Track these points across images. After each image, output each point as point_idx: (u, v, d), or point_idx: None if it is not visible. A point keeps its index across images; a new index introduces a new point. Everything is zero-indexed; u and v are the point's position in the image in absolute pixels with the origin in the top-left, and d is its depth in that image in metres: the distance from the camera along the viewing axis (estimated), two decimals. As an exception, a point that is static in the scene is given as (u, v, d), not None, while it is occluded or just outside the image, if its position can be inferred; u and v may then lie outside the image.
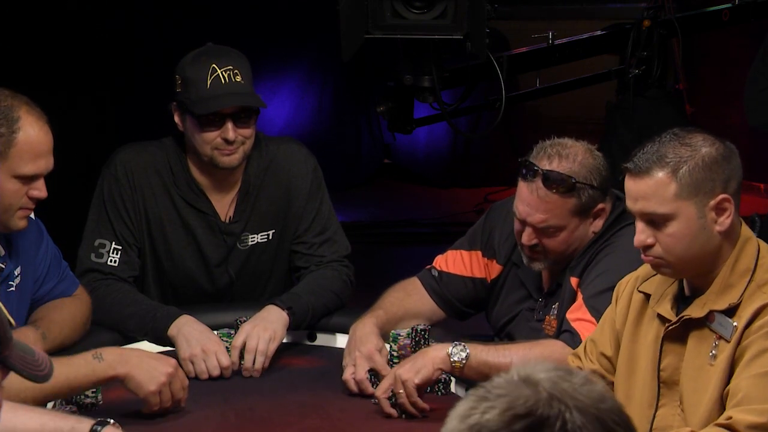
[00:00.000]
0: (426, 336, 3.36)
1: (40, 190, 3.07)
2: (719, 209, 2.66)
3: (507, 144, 7.80)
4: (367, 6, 4.48)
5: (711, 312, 2.67)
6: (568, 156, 3.25)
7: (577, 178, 3.23)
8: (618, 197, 3.30)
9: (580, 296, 3.21)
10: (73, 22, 6.32)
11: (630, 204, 2.71)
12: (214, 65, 3.51)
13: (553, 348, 3.13)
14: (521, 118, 7.81)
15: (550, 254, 3.29)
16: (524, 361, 3.07)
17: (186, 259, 3.67)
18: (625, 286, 2.90)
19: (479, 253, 3.54)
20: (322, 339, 3.61)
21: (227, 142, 3.51)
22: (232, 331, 3.39)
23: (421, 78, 4.86)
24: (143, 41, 6.93)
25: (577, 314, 3.17)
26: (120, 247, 3.58)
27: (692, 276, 2.73)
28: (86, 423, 2.62)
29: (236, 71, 3.52)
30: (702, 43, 7.49)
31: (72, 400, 3.04)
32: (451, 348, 3.12)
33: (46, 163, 3.06)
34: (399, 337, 3.37)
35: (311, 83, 8.42)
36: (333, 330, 3.58)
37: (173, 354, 3.29)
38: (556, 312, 3.30)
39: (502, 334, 3.50)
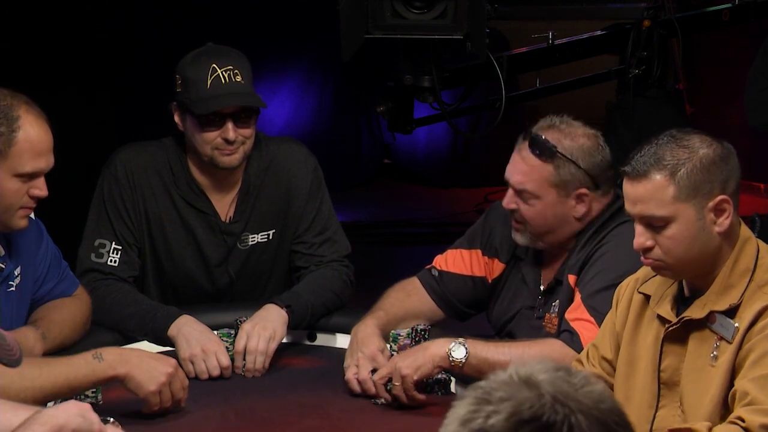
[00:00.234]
0: (426, 336, 3.37)
1: (40, 188, 3.07)
2: (718, 210, 2.66)
3: (507, 144, 7.81)
4: (367, 6, 4.48)
5: (711, 313, 2.67)
6: (564, 131, 3.29)
7: (560, 150, 3.25)
8: (618, 195, 3.30)
9: (578, 296, 3.21)
10: (73, 22, 6.32)
11: (629, 207, 2.71)
12: (214, 65, 3.51)
13: (552, 347, 3.13)
14: (521, 118, 7.82)
15: (528, 226, 3.31)
16: (523, 359, 3.08)
17: (186, 259, 3.67)
18: (625, 289, 2.91)
19: (479, 251, 3.54)
20: (322, 339, 3.61)
21: (228, 142, 3.51)
22: (232, 331, 3.39)
23: (421, 78, 4.86)
24: (143, 41, 6.93)
25: (576, 314, 3.17)
26: (120, 247, 3.58)
27: (692, 277, 2.73)
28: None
29: (236, 71, 3.52)
30: (702, 43, 7.49)
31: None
32: (451, 345, 3.13)
33: (46, 162, 3.06)
34: (399, 337, 3.37)
35: (311, 83, 8.43)
36: (333, 330, 3.58)
37: (173, 354, 3.29)
38: (557, 310, 3.30)
39: (503, 333, 3.50)
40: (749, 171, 2.87)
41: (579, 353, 3.07)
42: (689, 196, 2.64)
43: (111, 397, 3.11)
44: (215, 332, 3.37)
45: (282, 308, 3.45)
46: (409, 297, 3.55)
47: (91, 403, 3.03)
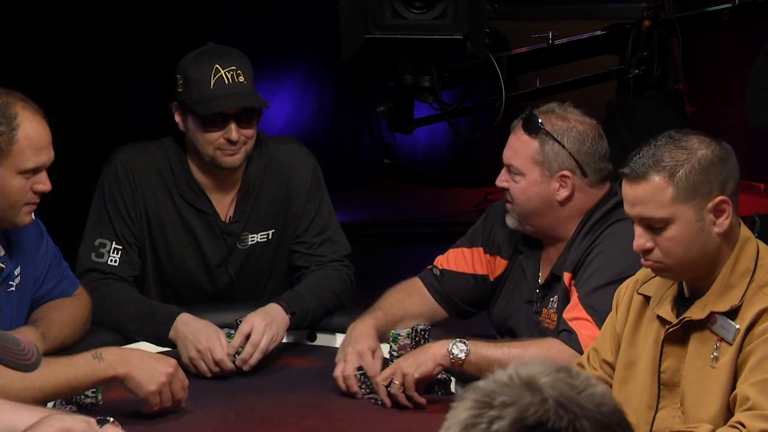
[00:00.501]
0: (426, 336, 3.37)
1: (44, 183, 3.08)
2: (717, 211, 2.66)
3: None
4: (367, 6, 4.48)
5: (712, 313, 2.67)
6: (559, 114, 3.34)
7: (548, 128, 3.28)
8: (615, 192, 3.32)
9: (575, 295, 3.22)
10: (73, 22, 6.32)
11: (628, 209, 2.71)
12: (217, 65, 3.50)
13: (551, 346, 3.14)
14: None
15: (515, 205, 3.35)
16: (522, 358, 3.08)
17: (186, 258, 3.67)
18: (625, 291, 2.90)
19: (481, 249, 3.54)
20: (322, 339, 3.61)
21: (230, 142, 3.51)
22: (232, 331, 3.39)
23: (421, 78, 4.86)
24: (143, 41, 6.93)
25: (573, 313, 3.18)
26: (120, 247, 3.58)
27: (692, 278, 2.73)
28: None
29: (239, 71, 3.52)
30: (702, 43, 7.49)
31: (72, 400, 3.04)
32: (451, 344, 3.14)
33: (47, 156, 3.07)
34: (399, 337, 3.37)
35: (311, 83, 8.43)
36: (333, 330, 3.59)
37: (173, 354, 3.29)
38: (555, 306, 3.31)
39: (503, 330, 3.50)
40: (749, 171, 2.87)
41: (578, 352, 3.08)
42: (688, 197, 2.64)
43: (111, 397, 3.11)
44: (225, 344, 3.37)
45: (287, 314, 3.45)
46: (409, 297, 3.55)
47: (91, 403, 3.05)
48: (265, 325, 3.38)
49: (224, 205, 3.67)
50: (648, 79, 5.95)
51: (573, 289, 3.26)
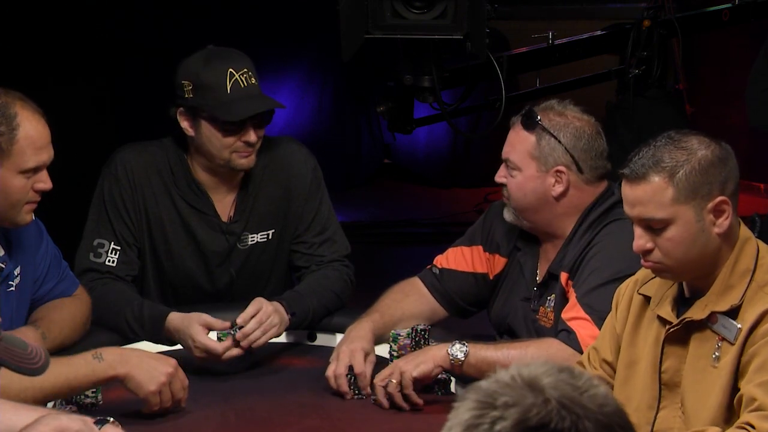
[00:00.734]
0: (426, 336, 3.37)
1: (44, 181, 3.09)
2: (717, 211, 2.66)
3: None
4: (367, 6, 4.48)
5: (712, 313, 2.67)
6: (557, 110, 3.37)
7: (544, 123, 3.30)
8: (612, 191, 3.33)
9: (573, 295, 3.23)
10: (73, 22, 6.32)
11: (627, 209, 2.71)
12: (231, 69, 3.50)
13: (550, 347, 3.14)
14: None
15: (511, 200, 3.37)
16: (522, 359, 3.09)
17: (186, 258, 3.67)
18: (625, 291, 2.91)
19: (480, 247, 3.55)
20: (322, 339, 3.61)
21: (248, 144, 3.52)
22: (232, 332, 3.38)
23: (421, 78, 4.86)
24: (143, 41, 6.93)
25: (572, 313, 3.18)
26: (119, 248, 3.58)
27: (692, 278, 2.73)
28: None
29: (250, 73, 3.53)
30: (702, 43, 7.49)
31: (72, 400, 3.04)
32: (450, 346, 3.14)
33: (48, 154, 3.08)
34: (399, 337, 3.37)
35: (311, 83, 8.42)
36: (333, 330, 3.59)
37: (173, 354, 3.29)
38: (552, 304, 3.32)
39: (502, 328, 3.51)
40: (749, 171, 2.87)
41: (577, 351, 3.08)
42: (688, 197, 2.64)
43: (111, 397, 3.11)
44: (214, 334, 3.37)
45: (287, 315, 3.45)
46: (407, 297, 3.55)
47: (91, 403, 3.05)
48: (273, 309, 3.39)
49: (225, 205, 3.67)
50: (648, 79, 5.95)
51: (570, 289, 3.27)
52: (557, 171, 3.31)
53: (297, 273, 3.77)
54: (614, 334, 2.89)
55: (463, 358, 3.13)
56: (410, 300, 3.55)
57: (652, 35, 5.88)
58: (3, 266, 3.14)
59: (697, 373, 2.69)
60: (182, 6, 7.21)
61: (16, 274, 3.18)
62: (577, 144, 3.31)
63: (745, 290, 2.65)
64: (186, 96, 3.53)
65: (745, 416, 2.56)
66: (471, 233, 3.60)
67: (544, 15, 7.63)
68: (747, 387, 2.59)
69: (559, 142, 3.30)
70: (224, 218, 3.67)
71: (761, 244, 2.73)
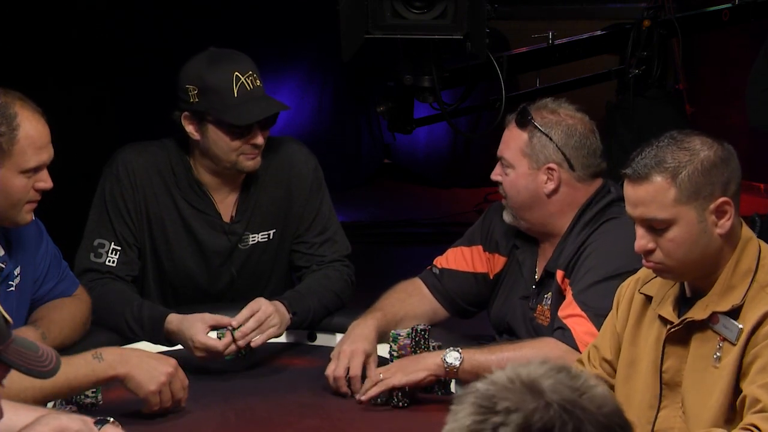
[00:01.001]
0: (426, 336, 3.36)
1: (45, 181, 3.09)
2: (719, 212, 2.65)
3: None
4: (367, 6, 4.48)
5: (714, 314, 2.66)
6: (551, 109, 3.39)
7: (536, 121, 3.32)
8: (609, 190, 3.33)
9: (569, 293, 3.23)
10: (73, 22, 6.32)
11: (630, 210, 2.71)
12: (237, 72, 3.49)
13: (546, 346, 3.15)
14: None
15: (507, 198, 3.39)
16: (518, 360, 3.09)
17: (186, 259, 3.67)
18: (626, 290, 2.90)
19: (480, 247, 3.56)
20: (322, 339, 3.61)
21: (255, 146, 3.52)
22: (230, 328, 3.38)
23: (421, 78, 4.86)
24: (143, 41, 6.92)
25: (567, 311, 3.19)
26: (119, 248, 3.57)
27: (694, 279, 2.73)
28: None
29: (255, 75, 3.53)
30: (702, 43, 7.49)
31: (72, 400, 3.04)
32: (444, 354, 3.16)
33: (48, 154, 3.08)
34: (399, 337, 3.37)
35: (311, 83, 8.42)
36: (333, 330, 3.59)
37: (173, 354, 3.29)
38: (549, 302, 3.33)
39: (501, 328, 3.51)
40: (749, 171, 2.87)
41: (572, 348, 3.09)
42: (690, 198, 2.64)
43: (111, 397, 3.11)
44: (214, 332, 3.37)
45: (288, 315, 3.45)
46: (409, 297, 3.56)
47: (91, 403, 3.05)
48: (273, 309, 3.39)
49: (227, 205, 3.67)
50: (648, 79, 5.95)
51: (566, 287, 3.28)
52: (548, 168, 3.33)
53: (297, 273, 3.77)
54: (615, 333, 2.89)
55: (458, 365, 3.14)
56: (412, 300, 3.55)
57: (652, 35, 5.88)
58: (3, 266, 3.14)
59: (698, 373, 2.69)
60: (182, 6, 7.20)
61: (16, 274, 3.18)
62: (568, 141, 3.33)
63: (747, 290, 2.65)
64: (191, 100, 3.51)
65: (750, 417, 2.56)
66: (470, 234, 3.61)
67: (544, 15, 7.63)
68: (750, 388, 2.59)
69: (551, 139, 3.32)
70: (226, 218, 3.67)
71: (763, 244, 2.73)
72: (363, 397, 3.17)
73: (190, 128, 3.55)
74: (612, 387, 2.87)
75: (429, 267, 3.62)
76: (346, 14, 4.52)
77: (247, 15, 7.64)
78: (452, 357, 3.15)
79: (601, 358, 2.91)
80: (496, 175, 3.42)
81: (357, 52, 4.55)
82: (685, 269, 2.69)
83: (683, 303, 2.75)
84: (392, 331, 3.39)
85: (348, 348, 3.28)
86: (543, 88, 5.99)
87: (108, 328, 3.46)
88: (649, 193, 2.65)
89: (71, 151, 3.69)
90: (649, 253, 2.69)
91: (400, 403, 3.15)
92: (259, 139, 3.53)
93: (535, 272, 3.42)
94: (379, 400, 3.17)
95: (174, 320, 3.39)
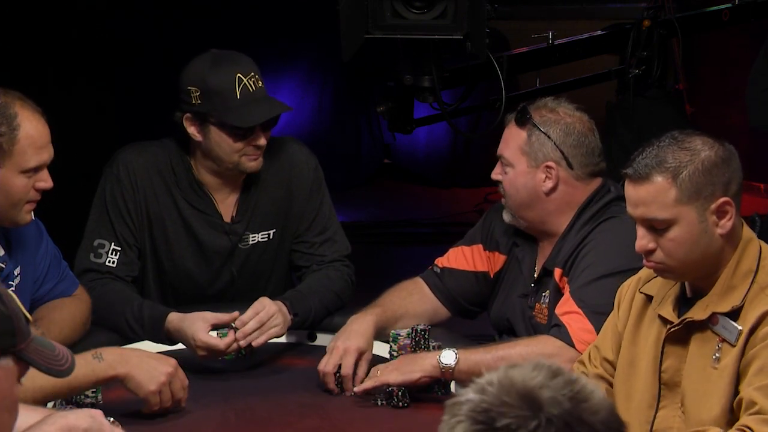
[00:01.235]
0: (426, 336, 3.36)
1: (45, 180, 3.09)
2: (720, 212, 2.65)
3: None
4: (367, 6, 4.48)
5: (713, 314, 2.67)
6: (550, 108, 3.40)
7: (535, 119, 3.33)
8: (608, 189, 3.34)
9: (567, 290, 3.24)
10: (74, 22, 6.32)
11: (630, 210, 2.71)
12: (239, 74, 3.49)
13: (543, 344, 3.16)
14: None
15: (506, 197, 3.40)
16: (513, 359, 3.09)
17: (187, 259, 3.67)
18: (627, 290, 2.91)
19: (480, 246, 3.57)
20: (322, 339, 3.61)
21: (257, 148, 3.53)
22: (232, 326, 3.38)
23: (421, 78, 4.85)
24: (143, 42, 6.92)
25: (564, 308, 3.20)
26: (119, 248, 3.57)
27: (694, 279, 2.73)
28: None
29: (257, 77, 3.53)
30: (702, 43, 7.48)
31: (72, 400, 3.04)
32: (440, 354, 3.16)
33: (48, 153, 3.09)
34: (399, 337, 3.37)
35: (311, 83, 8.42)
36: (333, 330, 3.58)
37: (173, 354, 3.29)
38: (547, 300, 3.33)
39: (502, 326, 3.52)
40: (749, 171, 2.86)
41: (568, 345, 3.09)
42: (691, 198, 2.64)
43: (111, 397, 3.11)
44: (215, 332, 3.37)
45: (290, 315, 3.45)
46: (410, 296, 3.56)
47: (91, 403, 3.05)
48: (277, 309, 3.39)
49: (227, 205, 3.67)
50: (648, 79, 5.95)
51: (563, 285, 3.28)
52: (547, 166, 3.34)
53: (298, 272, 3.77)
54: (616, 333, 2.89)
55: (453, 365, 3.14)
56: (413, 299, 3.56)
57: (652, 35, 5.88)
58: (3, 266, 3.14)
59: (697, 374, 2.69)
60: (182, 6, 7.21)
61: (16, 274, 3.18)
62: (567, 140, 3.34)
63: (747, 291, 2.65)
64: (193, 102, 3.51)
65: (744, 419, 2.56)
66: (471, 234, 3.61)
67: (544, 15, 7.62)
68: (747, 390, 2.59)
69: (549, 137, 3.33)
70: (226, 218, 3.67)
71: (764, 245, 2.73)
72: (356, 389, 3.19)
73: (191, 129, 3.55)
74: (612, 386, 2.87)
75: (430, 267, 3.63)
76: (346, 14, 4.52)
77: (247, 15, 7.64)
78: (447, 357, 3.15)
79: (602, 358, 2.91)
80: (496, 174, 3.43)
81: (357, 52, 4.55)
82: (685, 269, 2.69)
83: (683, 303, 2.75)
84: (392, 331, 3.39)
85: (342, 345, 3.28)
86: (543, 88, 5.98)
87: (108, 327, 3.46)
88: (650, 193, 2.65)
89: (71, 151, 3.69)
90: (650, 253, 2.69)
91: (400, 403, 3.15)
92: (262, 141, 3.53)
93: (534, 270, 3.43)
94: (379, 400, 3.17)
95: (174, 319, 3.39)
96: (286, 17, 7.85)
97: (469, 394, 1.47)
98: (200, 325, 3.33)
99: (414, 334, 3.37)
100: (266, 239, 3.71)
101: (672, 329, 2.73)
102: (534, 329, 3.36)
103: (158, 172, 3.64)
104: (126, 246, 3.59)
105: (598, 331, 3.02)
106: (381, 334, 3.40)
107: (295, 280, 3.80)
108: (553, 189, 3.35)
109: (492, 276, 3.55)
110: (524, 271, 3.44)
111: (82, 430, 2.36)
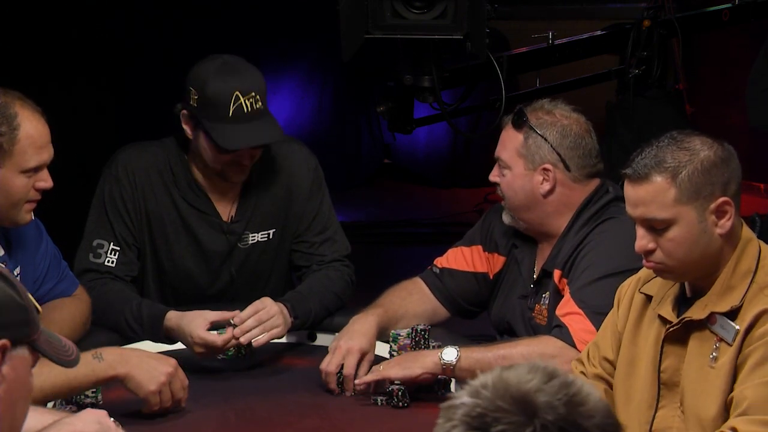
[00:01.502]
0: (426, 336, 3.36)
1: (45, 180, 3.10)
2: (719, 212, 2.66)
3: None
4: (367, 6, 4.48)
5: (712, 314, 2.67)
6: (547, 110, 3.41)
7: (531, 122, 3.34)
8: (606, 190, 3.34)
9: (567, 291, 3.24)
10: (73, 22, 6.32)
11: (630, 210, 2.71)
12: (237, 92, 3.44)
13: (545, 343, 3.16)
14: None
15: (505, 199, 3.41)
16: (514, 359, 3.10)
17: (186, 259, 3.67)
18: (626, 289, 2.91)
19: (480, 247, 3.57)
20: (322, 339, 3.61)
21: (241, 165, 3.51)
22: (231, 323, 3.38)
23: (421, 78, 4.85)
24: (143, 41, 6.93)
25: (565, 309, 3.20)
26: (118, 248, 3.57)
27: (694, 279, 2.73)
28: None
29: (257, 97, 3.46)
30: (702, 43, 7.49)
31: (72, 400, 3.04)
32: (442, 351, 3.16)
33: (48, 153, 3.09)
34: (399, 337, 3.37)
35: (311, 83, 8.42)
36: (333, 330, 3.58)
37: (174, 354, 3.28)
38: (547, 302, 3.33)
39: (502, 327, 3.52)
40: (749, 171, 2.86)
41: (569, 345, 3.09)
42: (690, 198, 2.64)
43: (111, 397, 3.11)
44: (215, 332, 3.37)
45: (290, 318, 3.45)
46: (410, 296, 3.56)
47: (91, 403, 3.05)
48: (278, 310, 3.39)
49: (226, 204, 3.67)
50: (648, 79, 5.94)
51: (563, 286, 3.29)
52: (544, 168, 3.34)
53: (297, 272, 3.77)
54: (616, 332, 2.89)
55: (454, 362, 3.14)
56: (413, 299, 3.56)
57: (652, 35, 5.88)
58: (3, 266, 3.13)
59: (695, 373, 2.69)
60: (182, 6, 7.20)
61: (15, 273, 3.18)
62: (563, 142, 3.34)
63: (746, 291, 2.65)
64: (191, 102, 3.51)
65: (732, 420, 2.57)
66: (470, 234, 3.62)
67: (544, 15, 7.61)
68: (738, 389, 2.59)
69: (545, 140, 3.33)
70: (225, 218, 3.67)
71: (763, 245, 2.73)
72: (357, 381, 3.20)
73: (186, 126, 3.55)
74: (611, 386, 2.88)
75: (429, 267, 3.63)
76: (346, 14, 4.51)
77: (247, 15, 7.64)
78: (449, 355, 3.15)
79: (601, 357, 2.91)
80: (494, 176, 3.43)
81: (357, 52, 4.55)
82: (685, 269, 2.70)
83: (683, 303, 2.75)
84: (392, 331, 3.39)
85: (344, 345, 3.28)
86: (543, 88, 5.98)
87: (108, 327, 3.46)
88: (649, 193, 2.65)
89: (71, 151, 3.69)
90: (650, 253, 2.69)
91: (400, 403, 3.15)
92: (246, 161, 3.51)
93: (534, 272, 3.43)
94: (379, 400, 3.17)
95: (173, 316, 3.39)
96: (286, 17, 7.85)
97: (464, 398, 1.46)
98: (199, 322, 3.33)
99: (414, 334, 3.37)
100: (266, 239, 3.71)
101: (671, 329, 2.73)
102: (533, 330, 3.36)
103: (157, 172, 3.64)
104: (125, 246, 3.59)
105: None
106: (382, 334, 3.40)
107: (295, 280, 3.80)
108: (551, 191, 3.35)
109: (491, 277, 3.55)
110: (523, 272, 3.45)
111: None
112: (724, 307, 2.65)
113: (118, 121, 6.52)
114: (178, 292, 3.70)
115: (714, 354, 2.66)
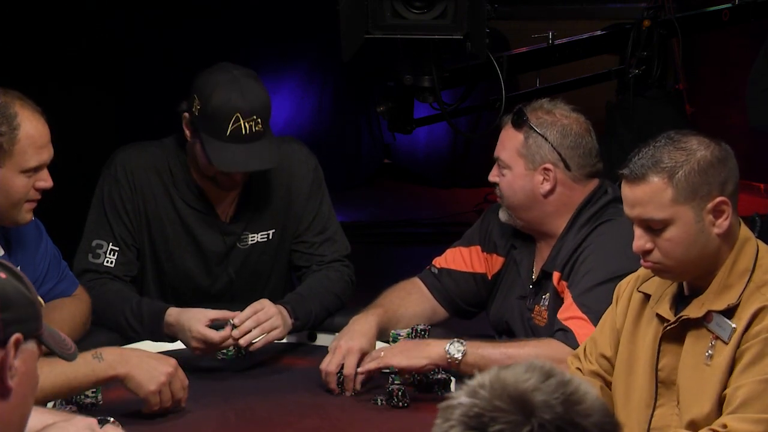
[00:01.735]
0: (426, 336, 3.37)
1: (45, 180, 3.10)
2: (717, 212, 2.66)
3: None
4: (367, 6, 4.48)
5: (709, 312, 2.67)
6: (547, 109, 3.40)
7: (531, 121, 3.33)
8: (605, 191, 3.34)
9: (569, 296, 3.23)
10: (74, 23, 6.32)
11: (627, 210, 2.71)
12: (238, 113, 3.41)
13: (554, 348, 3.14)
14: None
15: (504, 199, 3.41)
16: (521, 358, 3.09)
17: (186, 259, 3.67)
18: (625, 287, 2.91)
19: (478, 247, 3.57)
20: (322, 339, 3.61)
21: (232, 179, 3.51)
22: (230, 323, 3.38)
23: (421, 78, 4.86)
24: (143, 41, 6.93)
25: (568, 313, 3.20)
26: (117, 248, 3.57)
27: (692, 278, 2.73)
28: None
29: (259, 120, 3.44)
30: (702, 43, 7.49)
31: (72, 400, 3.04)
32: (448, 344, 3.15)
33: (48, 153, 3.09)
34: (399, 338, 3.37)
35: (311, 83, 8.42)
36: (333, 330, 3.58)
37: (174, 354, 3.28)
38: (546, 303, 3.33)
39: (500, 328, 3.52)
40: (749, 171, 2.87)
41: (575, 350, 3.08)
42: (687, 198, 2.64)
43: (111, 397, 3.11)
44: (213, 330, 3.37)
45: (291, 320, 3.45)
46: (409, 296, 3.56)
47: (91, 403, 3.05)
48: (276, 312, 3.39)
49: (225, 204, 3.67)
50: (648, 79, 5.94)
51: (563, 288, 3.28)
52: (544, 168, 3.34)
53: (297, 273, 3.77)
54: (614, 329, 2.89)
55: (460, 357, 3.14)
56: (412, 299, 3.56)
57: (652, 35, 5.88)
58: (9, 263, 3.13)
59: (691, 371, 2.69)
60: (182, 6, 7.20)
61: (16, 274, 3.18)
62: (563, 141, 3.34)
63: (743, 290, 2.66)
64: (194, 109, 3.49)
65: (724, 417, 2.57)
66: (469, 235, 3.61)
67: (544, 15, 7.61)
68: (732, 386, 2.60)
69: (546, 139, 3.33)
70: (224, 218, 3.67)
71: (761, 244, 2.74)
72: (359, 369, 3.21)
73: (186, 130, 3.55)
74: (608, 383, 2.88)
75: (428, 267, 3.63)
76: (346, 14, 4.52)
77: (247, 15, 7.64)
78: (455, 348, 3.15)
79: (598, 353, 2.91)
80: (493, 176, 3.43)
81: (357, 52, 4.55)
82: (683, 269, 2.70)
83: (681, 301, 2.75)
84: (392, 331, 3.39)
85: (345, 345, 3.28)
86: (543, 88, 5.98)
87: (108, 326, 3.46)
88: (646, 194, 2.65)
89: (71, 151, 3.69)
90: (647, 253, 2.70)
91: (400, 403, 3.15)
92: (237, 178, 3.51)
93: (533, 272, 3.42)
94: (379, 400, 3.17)
95: (173, 312, 3.39)
96: (286, 17, 7.85)
97: (461, 398, 1.46)
98: (199, 317, 3.33)
99: (414, 334, 3.37)
100: (265, 239, 3.71)
101: (668, 327, 2.73)
102: (532, 331, 3.36)
103: (156, 172, 3.64)
104: (124, 246, 3.59)
105: None
106: (382, 334, 3.40)
107: (294, 281, 3.80)
108: (551, 191, 3.35)
109: (490, 278, 3.55)
110: (522, 273, 3.44)
111: None
112: (721, 305, 2.66)
113: (118, 121, 6.52)
114: (178, 292, 3.70)
115: (710, 352, 2.66)
